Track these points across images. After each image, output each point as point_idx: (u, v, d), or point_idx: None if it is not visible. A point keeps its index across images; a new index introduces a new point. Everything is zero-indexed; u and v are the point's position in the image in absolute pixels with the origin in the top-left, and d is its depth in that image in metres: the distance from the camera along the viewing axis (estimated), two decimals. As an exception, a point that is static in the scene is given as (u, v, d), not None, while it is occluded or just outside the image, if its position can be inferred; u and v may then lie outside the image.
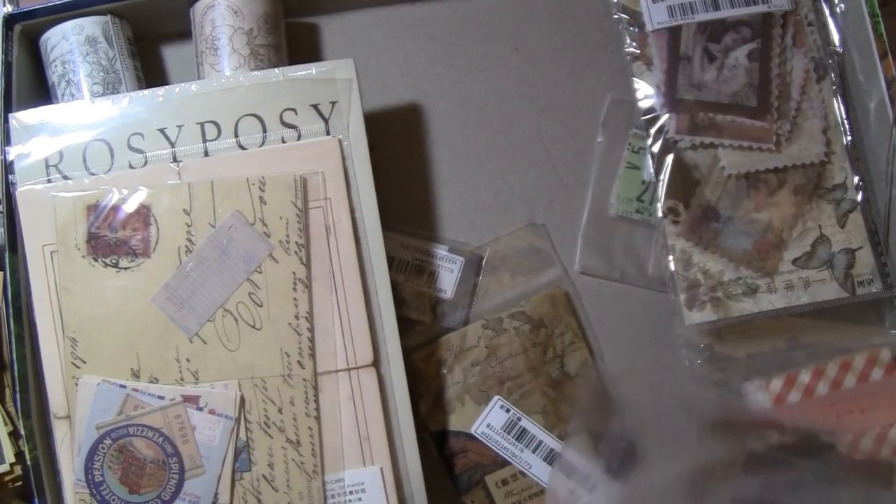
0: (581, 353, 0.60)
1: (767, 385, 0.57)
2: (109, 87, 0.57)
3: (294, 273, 0.52)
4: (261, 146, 0.54)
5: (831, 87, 0.59)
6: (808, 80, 0.59)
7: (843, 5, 0.60)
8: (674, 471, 0.47)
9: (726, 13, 0.60)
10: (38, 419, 0.53)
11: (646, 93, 0.60)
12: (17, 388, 0.52)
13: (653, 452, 0.52)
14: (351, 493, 0.52)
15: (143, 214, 0.52)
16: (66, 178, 0.53)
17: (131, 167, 0.53)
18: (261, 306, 0.52)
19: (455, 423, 0.58)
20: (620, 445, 0.53)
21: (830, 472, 0.48)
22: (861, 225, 0.58)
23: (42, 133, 0.53)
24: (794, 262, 0.58)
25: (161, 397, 0.51)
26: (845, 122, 0.59)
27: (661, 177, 0.59)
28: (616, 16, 0.61)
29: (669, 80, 0.59)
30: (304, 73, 0.54)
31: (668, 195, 0.58)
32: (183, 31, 0.61)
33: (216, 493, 0.51)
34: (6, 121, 0.54)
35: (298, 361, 0.52)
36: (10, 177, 0.53)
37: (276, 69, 0.54)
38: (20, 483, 0.55)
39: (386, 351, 0.53)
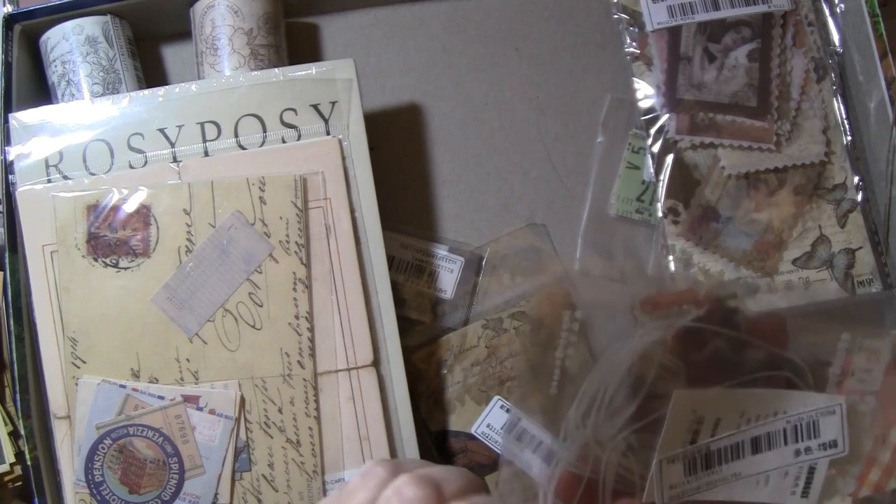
0: (581, 354, 0.60)
1: (767, 385, 0.57)
2: (109, 87, 0.57)
3: (294, 273, 0.52)
4: (261, 146, 0.54)
5: (831, 87, 0.59)
6: (808, 80, 0.59)
7: (843, 5, 0.60)
8: (618, 367, 0.48)
9: (726, 13, 0.60)
10: (38, 419, 0.53)
11: (646, 93, 0.60)
12: (17, 388, 0.52)
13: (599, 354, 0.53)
14: (351, 493, 0.52)
15: (143, 214, 0.52)
16: (66, 178, 0.53)
17: (131, 167, 0.53)
18: (261, 306, 0.52)
19: (455, 423, 0.58)
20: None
21: (739, 337, 0.49)
22: (861, 225, 0.58)
23: (42, 133, 0.53)
24: (794, 262, 0.58)
25: (161, 397, 0.51)
26: (845, 122, 0.59)
27: (661, 177, 0.59)
28: (616, 16, 0.61)
29: (669, 80, 0.59)
30: (304, 73, 0.54)
31: (668, 195, 0.58)
32: (183, 31, 0.61)
33: (216, 493, 0.51)
34: (6, 121, 0.54)
35: (298, 361, 0.52)
36: (10, 177, 0.53)
37: (276, 69, 0.55)
38: (20, 483, 0.55)
39: (386, 351, 0.53)
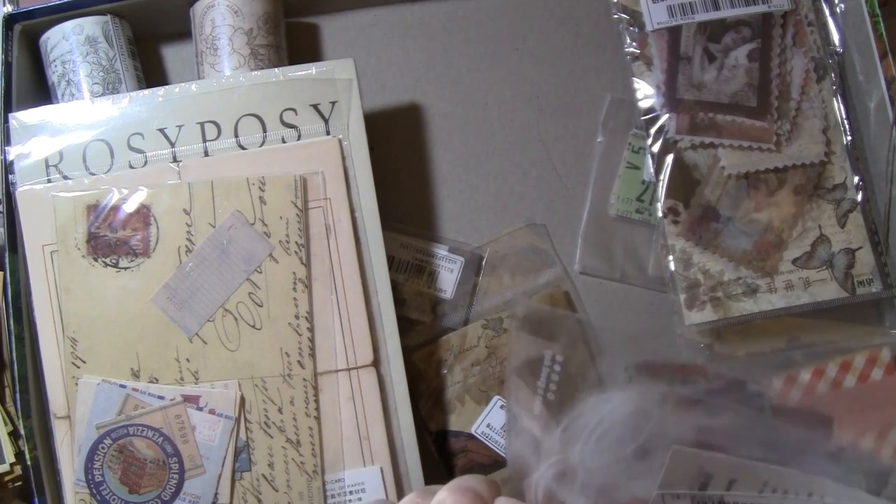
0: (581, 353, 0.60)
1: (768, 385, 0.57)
2: (109, 87, 0.57)
3: (294, 273, 0.52)
4: (261, 146, 0.54)
5: (831, 87, 0.59)
6: (808, 80, 0.59)
7: (843, 5, 0.60)
8: (613, 411, 0.47)
9: (726, 13, 0.60)
10: (38, 419, 0.53)
11: (646, 93, 0.60)
12: (17, 388, 0.52)
13: (581, 393, 0.52)
14: (351, 493, 0.52)
15: (143, 214, 0.52)
16: (66, 178, 0.53)
17: (131, 167, 0.53)
18: (261, 306, 0.52)
19: (455, 423, 0.58)
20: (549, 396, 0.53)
21: (764, 418, 0.48)
22: (861, 225, 0.58)
23: (42, 133, 0.53)
24: (794, 262, 0.58)
25: (161, 397, 0.51)
26: (845, 122, 0.59)
27: (661, 177, 0.59)
28: (616, 16, 0.61)
29: (669, 80, 0.59)
30: (304, 73, 0.54)
31: (668, 195, 0.58)
32: (183, 31, 0.61)
33: (216, 493, 0.51)
34: (6, 121, 0.54)
35: (298, 361, 0.52)
36: (10, 177, 0.53)
37: (276, 69, 0.54)
38: (20, 483, 0.55)
39: (386, 351, 0.53)
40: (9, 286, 0.53)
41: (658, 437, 0.46)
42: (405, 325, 0.58)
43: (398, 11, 0.64)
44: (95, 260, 0.52)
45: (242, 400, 0.52)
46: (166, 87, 0.54)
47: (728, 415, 0.47)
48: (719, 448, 0.46)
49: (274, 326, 0.52)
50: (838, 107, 0.59)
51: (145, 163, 0.53)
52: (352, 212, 0.54)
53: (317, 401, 0.52)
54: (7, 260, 0.53)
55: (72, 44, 0.57)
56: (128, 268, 0.52)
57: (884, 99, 0.57)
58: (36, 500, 0.52)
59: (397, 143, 0.63)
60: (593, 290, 0.62)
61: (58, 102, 0.57)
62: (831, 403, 0.57)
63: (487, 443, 0.58)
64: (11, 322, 0.53)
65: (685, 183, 0.59)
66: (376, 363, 0.53)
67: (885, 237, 0.59)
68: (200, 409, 0.51)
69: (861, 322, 0.60)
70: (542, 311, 0.56)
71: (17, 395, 0.52)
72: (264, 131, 0.54)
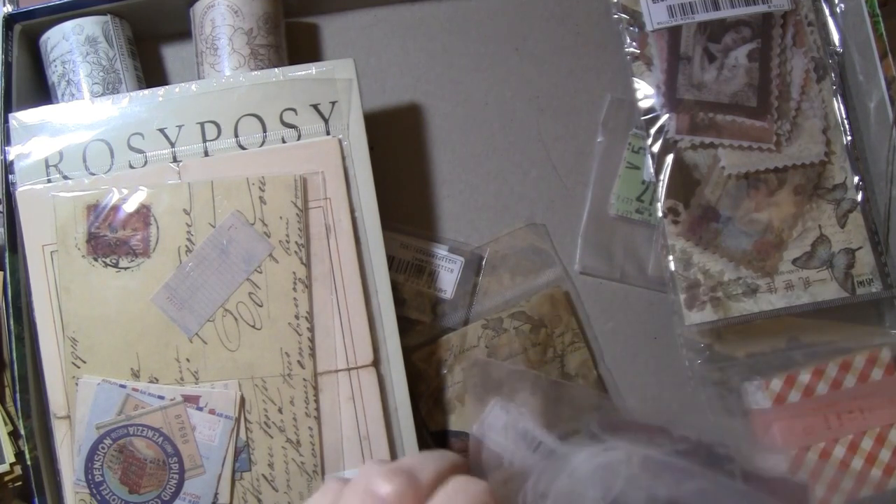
0: (581, 353, 0.60)
1: (767, 385, 0.57)
2: (109, 87, 0.57)
3: (294, 273, 0.52)
4: (261, 146, 0.54)
5: (831, 87, 0.59)
6: (808, 80, 0.59)
7: (843, 5, 0.60)
8: (581, 469, 0.46)
9: (726, 13, 0.60)
10: (38, 419, 0.53)
11: (646, 93, 0.60)
12: (17, 388, 0.52)
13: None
14: (351, 493, 0.52)
15: (143, 214, 0.52)
16: (66, 178, 0.53)
17: (131, 167, 0.53)
18: (261, 306, 0.52)
19: (455, 423, 0.58)
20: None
21: (737, 485, 0.47)
22: (861, 225, 0.58)
23: (42, 133, 0.53)
24: (794, 262, 0.58)
25: (161, 397, 0.51)
26: (845, 122, 0.59)
27: (661, 177, 0.59)
28: (616, 16, 0.61)
29: (669, 80, 0.59)
30: (304, 73, 0.54)
31: (668, 195, 0.58)
32: (183, 31, 0.61)
33: (216, 493, 0.51)
34: (6, 121, 0.54)
35: (298, 361, 0.52)
36: (10, 177, 0.53)
37: (276, 69, 0.54)
38: (20, 483, 0.55)
39: (386, 351, 0.53)
40: (9, 286, 0.53)
41: (628, 497, 0.45)
42: (405, 325, 0.58)
43: (398, 11, 0.64)
44: (95, 260, 0.52)
45: (242, 400, 0.52)
46: (166, 87, 0.54)
47: (699, 480, 0.46)
48: None
49: (274, 326, 0.52)
50: (838, 107, 0.59)
51: (145, 163, 0.53)
52: (352, 212, 0.54)
53: (317, 401, 0.52)
54: (7, 260, 0.53)
55: (72, 44, 0.57)
56: (128, 268, 0.52)
57: (884, 99, 0.57)
58: (36, 500, 0.52)
59: (397, 143, 0.63)
60: (593, 290, 0.62)
61: (58, 102, 0.57)
62: (831, 403, 0.57)
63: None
64: (11, 322, 0.53)
65: (685, 183, 0.59)
66: (376, 363, 0.53)
67: (885, 237, 0.59)
68: (200, 409, 0.51)
69: (861, 322, 0.60)
70: (497, 369, 0.55)
71: (17, 395, 0.52)
72: (264, 131, 0.54)
